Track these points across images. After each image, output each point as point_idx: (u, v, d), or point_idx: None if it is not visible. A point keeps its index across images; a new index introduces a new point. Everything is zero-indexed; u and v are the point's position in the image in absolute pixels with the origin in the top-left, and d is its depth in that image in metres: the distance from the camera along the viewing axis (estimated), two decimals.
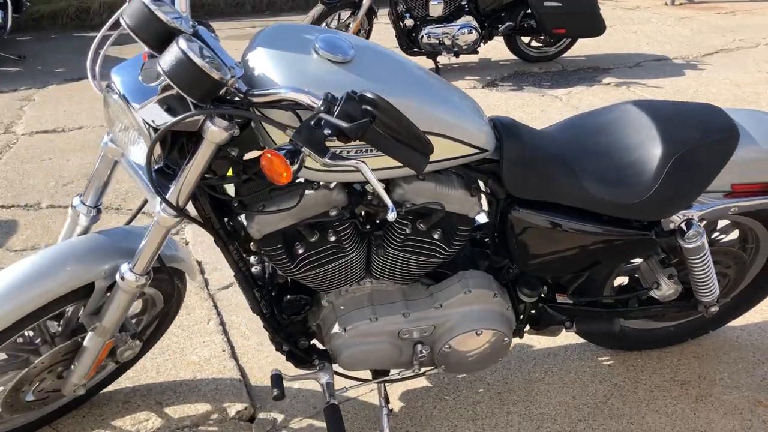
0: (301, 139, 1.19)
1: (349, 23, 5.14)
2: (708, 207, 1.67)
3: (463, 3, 5.10)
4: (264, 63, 1.34)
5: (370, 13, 5.22)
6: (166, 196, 1.39)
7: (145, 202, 1.64)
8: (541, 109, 4.51)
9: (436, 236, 1.60)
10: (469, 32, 5.10)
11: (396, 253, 1.59)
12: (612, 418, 1.94)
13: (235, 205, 1.50)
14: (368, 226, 1.58)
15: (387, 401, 1.85)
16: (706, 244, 1.70)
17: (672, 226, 1.69)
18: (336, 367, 1.77)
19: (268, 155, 1.23)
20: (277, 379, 1.74)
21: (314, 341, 1.85)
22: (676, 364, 2.13)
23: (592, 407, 1.98)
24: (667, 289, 1.83)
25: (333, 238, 1.55)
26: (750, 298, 2.10)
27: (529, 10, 5.14)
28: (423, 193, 1.53)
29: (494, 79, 5.20)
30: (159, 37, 1.22)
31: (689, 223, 1.66)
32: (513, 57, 5.58)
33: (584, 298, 1.85)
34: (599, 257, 1.69)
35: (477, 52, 5.27)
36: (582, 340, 2.20)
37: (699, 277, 1.78)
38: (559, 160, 1.60)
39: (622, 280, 2.03)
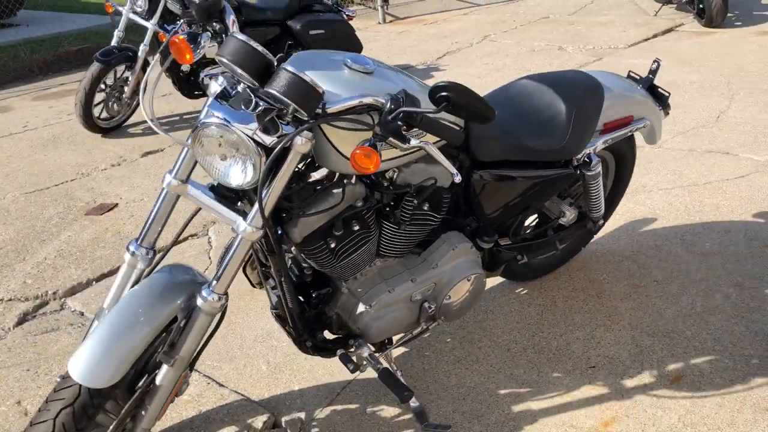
0: (387, 131, 1.49)
1: (128, 77, 5.12)
2: (596, 142, 2.28)
3: None
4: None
5: (146, 65, 5.24)
6: (250, 214, 1.57)
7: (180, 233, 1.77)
8: None
9: (426, 207, 1.96)
10: None
11: (406, 228, 1.92)
12: (552, 326, 2.47)
13: (287, 212, 1.71)
14: (387, 209, 1.89)
15: (396, 366, 2.16)
16: (600, 170, 2.31)
17: (576, 162, 2.26)
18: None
19: (358, 151, 1.51)
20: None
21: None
22: (570, 279, 2.74)
23: (535, 324, 2.49)
24: (569, 214, 2.41)
25: (357, 227, 1.83)
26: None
27: (291, 42, 5.60)
28: (420, 173, 1.89)
29: None
30: (259, 67, 1.43)
31: (590, 156, 2.25)
32: None
33: (520, 236, 2.35)
34: (537, 197, 2.20)
35: None
36: (496, 283, 2.71)
37: (593, 198, 2.38)
38: (504, 125, 2.07)
39: (532, 219, 2.58)
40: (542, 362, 2.30)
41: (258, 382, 2.33)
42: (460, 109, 1.51)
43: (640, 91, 2.43)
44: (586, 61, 5.90)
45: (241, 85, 1.55)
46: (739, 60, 5.44)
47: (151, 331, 1.58)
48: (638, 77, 2.51)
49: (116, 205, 3.94)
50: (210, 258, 3.27)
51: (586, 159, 2.26)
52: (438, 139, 1.73)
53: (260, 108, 1.47)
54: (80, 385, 1.52)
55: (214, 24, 1.64)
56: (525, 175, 2.11)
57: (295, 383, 2.31)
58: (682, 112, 4.39)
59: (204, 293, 1.64)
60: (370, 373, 2.31)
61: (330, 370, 2.35)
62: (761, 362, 2.18)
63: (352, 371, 1.93)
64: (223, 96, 1.57)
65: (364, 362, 1.97)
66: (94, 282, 3.14)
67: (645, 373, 2.19)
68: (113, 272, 3.21)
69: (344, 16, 5.73)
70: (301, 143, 1.52)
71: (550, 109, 2.17)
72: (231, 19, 1.63)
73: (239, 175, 1.54)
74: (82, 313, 2.88)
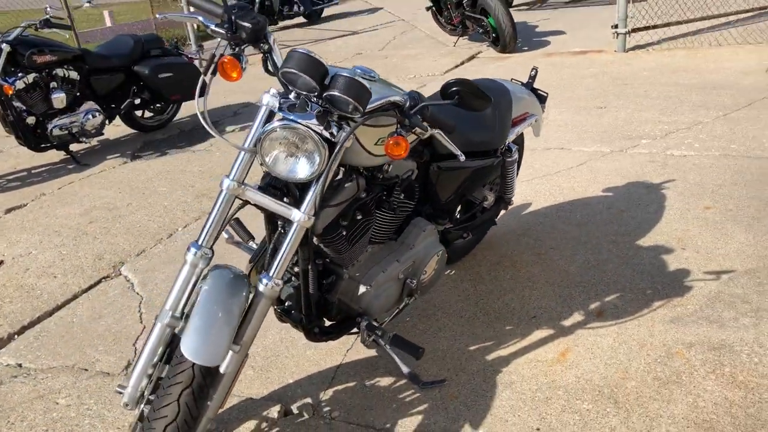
0: (412, 123, 1.85)
1: None
2: (511, 134, 2.78)
3: (78, 92, 5.29)
4: None
5: None
6: (304, 203, 1.82)
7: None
8: (192, 163, 5.12)
9: (402, 196, 2.32)
10: (94, 116, 5.33)
11: (393, 216, 2.26)
12: (488, 294, 2.91)
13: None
14: (384, 196, 2.21)
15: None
16: (517, 157, 2.81)
17: (500, 151, 2.74)
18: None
19: (391, 142, 1.84)
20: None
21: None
22: (485, 257, 3.22)
23: (473, 294, 2.91)
24: (490, 198, 2.89)
25: (360, 216, 2.14)
26: None
27: (135, 88, 5.62)
28: (403, 166, 2.25)
29: (134, 152, 5.55)
30: (321, 74, 1.71)
31: (509, 146, 2.74)
32: (132, 131, 5.96)
33: (458, 220, 2.78)
34: (476, 182, 2.64)
35: (103, 134, 5.51)
36: None
37: (509, 181, 2.88)
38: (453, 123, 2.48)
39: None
40: (492, 321, 2.73)
41: (252, 383, 2.50)
42: (467, 100, 1.91)
43: (528, 93, 2.99)
44: (415, 87, 6.57)
45: (293, 93, 1.81)
46: (539, 77, 6.43)
47: (238, 317, 1.75)
48: (520, 82, 3.08)
49: (2, 262, 3.77)
50: (138, 293, 3.30)
51: (507, 148, 2.75)
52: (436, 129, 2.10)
53: (318, 110, 1.75)
54: (193, 367, 1.66)
55: (261, 45, 1.86)
56: (470, 165, 2.55)
57: (287, 378, 2.51)
58: None
59: (264, 281, 1.85)
60: (353, 356, 2.59)
61: (314, 360, 2.59)
62: (653, 291, 2.80)
63: (369, 344, 2.21)
64: (270, 115, 1.82)
65: (376, 334, 2.25)
66: (16, 336, 3.05)
67: (575, 314, 2.71)
68: (35, 322, 3.13)
69: (186, 58, 5.86)
70: (346, 138, 1.81)
71: None
72: (272, 38, 1.85)
73: (306, 168, 1.79)
74: (19, 365, 2.81)
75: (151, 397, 1.86)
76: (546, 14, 9.87)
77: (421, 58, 7.94)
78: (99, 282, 3.47)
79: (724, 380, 2.25)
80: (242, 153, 1.85)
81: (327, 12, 12.22)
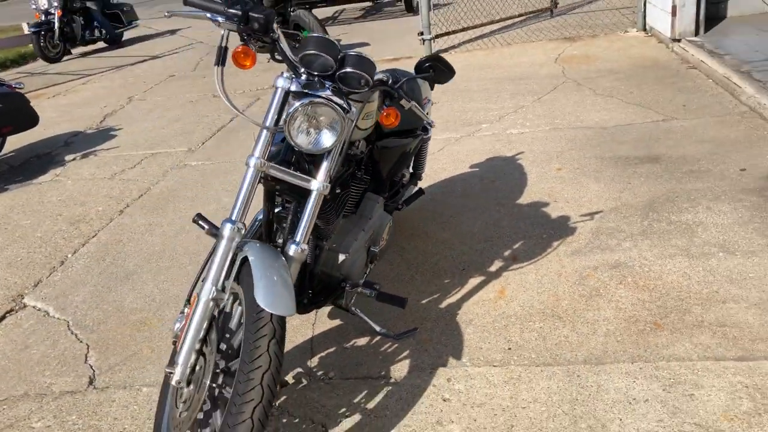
0: (400, 95, 2.17)
1: None
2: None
3: None
4: None
5: None
6: (321, 173, 2.05)
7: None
8: (47, 194, 4.90)
9: (360, 173, 2.62)
10: None
11: (358, 189, 2.55)
12: (417, 257, 3.27)
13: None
14: (359, 173, 2.48)
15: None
16: (431, 135, 3.21)
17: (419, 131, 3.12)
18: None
19: (385, 113, 2.14)
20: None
21: None
22: (401, 229, 3.58)
23: (405, 260, 3.26)
24: (407, 174, 3.27)
25: (339, 191, 2.40)
26: None
27: None
28: (363, 144, 2.55)
29: None
30: (335, 54, 1.95)
31: (425, 125, 3.13)
32: None
33: (390, 191, 3.12)
34: (407, 158, 2.99)
35: None
36: None
37: (423, 158, 3.27)
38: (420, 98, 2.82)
39: None
40: (431, 278, 3.10)
41: None
42: (440, 73, 2.26)
43: (421, 80, 3.41)
44: (248, 101, 6.75)
45: (303, 76, 2.04)
46: None
47: (289, 275, 1.94)
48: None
49: None
50: (59, 318, 3.19)
51: (424, 127, 3.14)
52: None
53: (333, 86, 2.00)
54: (272, 319, 1.80)
55: (271, 35, 2.03)
56: (402, 143, 2.90)
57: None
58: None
59: (293, 246, 2.05)
60: (321, 328, 2.82)
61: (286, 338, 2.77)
62: (548, 235, 3.36)
63: (350, 308, 2.48)
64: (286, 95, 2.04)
65: (365, 291, 2.49)
66: None
67: (495, 262, 3.17)
68: None
69: (11, 88, 5.54)
70: (356, 113, 2.08)
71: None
72: (276, 26, 2.03)
73: (330, 138, 2.02)
74: None
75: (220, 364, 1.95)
76: (342, 29, 10.51)
77: (241, 75, 8.09)
78: (4, 317, 3.29)
79: (630, 287, 2.84)
80: (264, 132, 2.04)
81: (127, 35, 11.86)
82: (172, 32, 12.47)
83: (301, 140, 2.03)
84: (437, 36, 7.71)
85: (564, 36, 7.70)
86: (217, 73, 2.00)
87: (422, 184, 4.10)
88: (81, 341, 2.99)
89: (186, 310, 2.12)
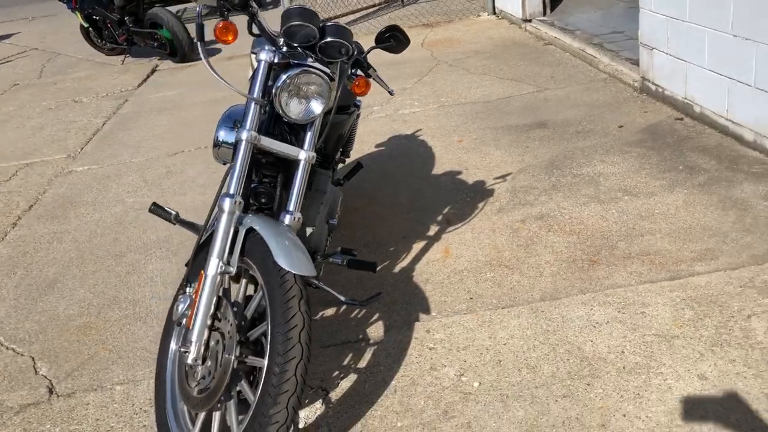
0: (368, 64, 2.28)
1: None
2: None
3: None
4: None
5: None
6: (307, 142, 2.12)
7: None
8: None
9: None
10: None
11: (318, 162, 2.63)
12: (367, 229, 3.40)
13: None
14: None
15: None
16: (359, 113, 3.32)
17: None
18: None
19: (357, 83, 2.26)
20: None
21: None
22: (346, 191, 3.67)
23: (359, 232, 3.37)
24: (338, 150, 3.37)
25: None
26: None
27: None
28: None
29: None
30: (317, 24, 2.03)
31: (356, 103, 3.24)
32: None
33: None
34: (347, 133, 3.09)
35: None
36: None
37: (354, 133, 3.38)
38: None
39: None
40: (376, 248, 3.24)
41: None
42: (398, 42, 2.39)
43: None
44: (117, 104, 6.47)
45: (285, 48, 2.08)
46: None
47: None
48: None
49: None
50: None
51: (355, 104, 3.25)
52: None
53: (316, 57, 2.08)
54: (296, 281, 1.85)
55: (250, 9, 2.04)
56: (342, 118, 3.00)
57: None
58: None
59: (288, 216, 2.11)
60: None
61: None
62: (471, 198, 3.60)
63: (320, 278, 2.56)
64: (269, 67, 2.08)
65: (335, 260, 2.57)
66: None
67: (432, 226, 3.36)
68: None
69: None
70: (339, 81, 2.17)
71: None
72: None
73: (319, 106, 2.08)
74: None
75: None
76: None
77: (98, 78, 7.70)
78: None
79: (559, 233, 3.14)
80: (252, 105, 2.07)
81: None
82: (0, 38, 11.48)
83: (293, 108, 2.09)
84: None
85: (422, 23, 8.07)
86: (201, 48, 2.00)
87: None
88: (22, 354, 2.81)
89: (188, 290, 2.11)
